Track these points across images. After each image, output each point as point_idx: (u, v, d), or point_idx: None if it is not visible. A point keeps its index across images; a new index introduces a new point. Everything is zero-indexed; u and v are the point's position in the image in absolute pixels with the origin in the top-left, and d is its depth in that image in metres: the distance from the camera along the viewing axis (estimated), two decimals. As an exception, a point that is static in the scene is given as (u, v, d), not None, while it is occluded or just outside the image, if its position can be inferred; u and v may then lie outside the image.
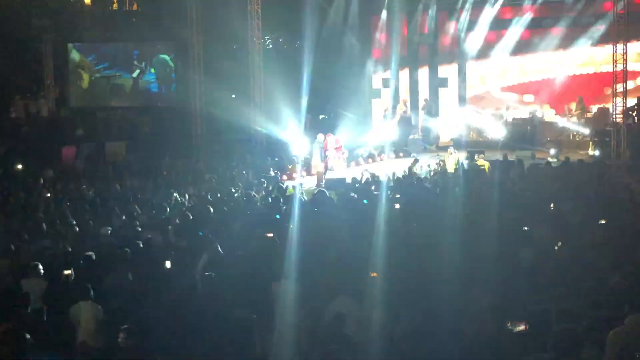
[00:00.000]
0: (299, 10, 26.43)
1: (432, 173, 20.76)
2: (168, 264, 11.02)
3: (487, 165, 20.99)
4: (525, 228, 12.29)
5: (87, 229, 14.14)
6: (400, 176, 20.17)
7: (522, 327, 8.17)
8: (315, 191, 18.16)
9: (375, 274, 9.97)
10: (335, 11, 29.02)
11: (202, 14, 27.02)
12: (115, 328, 8.87)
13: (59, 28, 28.91)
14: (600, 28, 27.02)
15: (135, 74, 30.15)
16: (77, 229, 14.03)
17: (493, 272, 9.75)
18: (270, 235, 12.45)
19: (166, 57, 30.04)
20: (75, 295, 9.67)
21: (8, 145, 24.73)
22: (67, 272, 10.66)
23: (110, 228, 13.67)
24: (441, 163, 21.73)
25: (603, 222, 12.46)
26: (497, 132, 27.60)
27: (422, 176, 20.29)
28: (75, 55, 29.92)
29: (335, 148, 23.29)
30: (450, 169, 21.09)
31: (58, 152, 25.48)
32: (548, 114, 28.32)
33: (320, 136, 23.14)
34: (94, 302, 9.47)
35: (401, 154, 26.52)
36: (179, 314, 9.25)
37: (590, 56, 28.48)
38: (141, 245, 12.12)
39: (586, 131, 26.25)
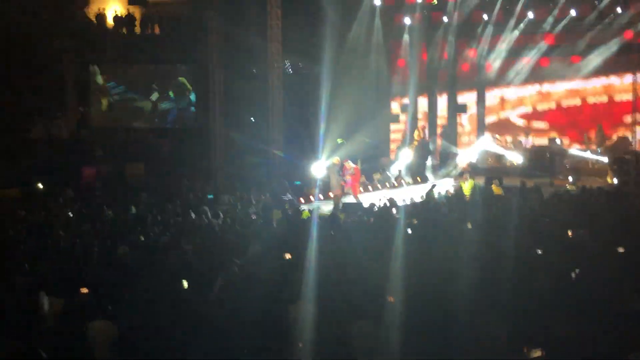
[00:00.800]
0: (319, 35, 26.58)
1: (449, 198, 20.68)
2: (185, 284, 11.03)
3: (501, 192, 20.92)
4: (540, 253, 12.23)
5: (105, 247, 14.20)
6: (418, 201, 20.14)
7: (538, 354, 8.11)
8: (331, 215, 18.17)
9: (392, 299, 9.94)
10: (355, 37, 29.17)
11: (223, 37, 27.24)
12: (130, 347, 8.92)
13: (80, 49, 29.20)
14: (620, 57, 27.00)
15: (154, 97, 30.37)
16: (96, 247, 14.08)
17: (510, 298, 9.70)
18: (288, 256, 12.45)
19: (184, 80, 30.25)
20: (92, 313, 9.68)
21: (28, 165, 24.90)
22: (83, 290, 10.70)
23: (127, 247, 13.71)
24: (458, 188, 21.70)
25: (621, 250, 12.38)
26: (516, 158, 27.56)
27: (440, 201, 20.23)
28: (99, 78, 30.23)
29: (352, 173, 23.26)
30: (467, 194, 21.03)
31: (78, 172, 25.65)
32: (567, 142, 28.27)
33: (337, 160, 23.17)
34: (110, 321, 9.46)
35: (419, 179, 26.50)
36: (194, 334, 9.26)
37: (609, 84, 28.43)
38: (158, 264, 12.15)
39: (605, 159, 26.14)
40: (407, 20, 29.72)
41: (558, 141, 28.04)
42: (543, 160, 26.70)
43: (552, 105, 29.62)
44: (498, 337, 8.62)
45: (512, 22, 28.69)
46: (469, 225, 15.69)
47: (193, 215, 18.17)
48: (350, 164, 23.15)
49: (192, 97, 30.26)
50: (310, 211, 19.01)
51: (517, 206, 17.78)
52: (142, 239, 15.05)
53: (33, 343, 8.50)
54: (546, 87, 29.39)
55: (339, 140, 28.83)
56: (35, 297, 10.57)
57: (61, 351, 8.71)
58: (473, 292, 10.09)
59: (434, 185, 22.11)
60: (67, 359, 8.72)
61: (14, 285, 10.79)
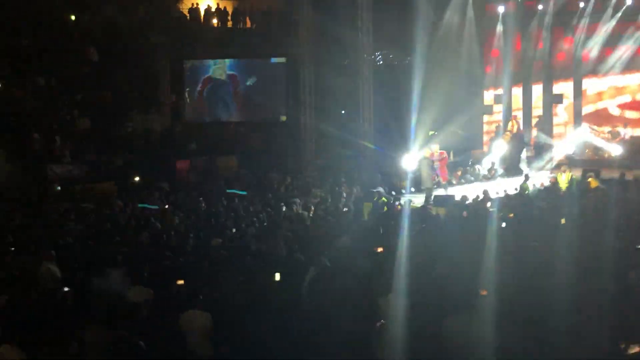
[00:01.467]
0: (410, 25, 26.33)
1: (543, 191, 20.20)
2: (278, 276, 11.12)
3: (597, 184, 20.32)
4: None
5: (199, 239, 14.48)
6: (512, 194, 19.78)
7: (636, 350, 7.90)
8: (422, 207, 18.03)
9: (485, 292, 9.78)
10: (447, 26, 28.80)
11: (314, 30, 27.34)
12: (224, 338, 9.05)
13: (174, 44, 29.79)
14: None
15: (250, 82, 30.72)
16: (191, 239, 14.37)
17: (609, 294, 9.42)
18: (380, 249, 12.42)
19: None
20: (186, 304, 9.85)
21: (125, 159, 25.57)
22: (179, 282, 10.93)
23: (221, 240, 13.93)
24: (554, 181, 21.18)
25: None
26: (614, 150, 26.74)
27: (534, 194, 19.80)
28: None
29: (439, 158, 22.87)
30: (563, 186, 20.52)
31: (173, 165, 26.22)
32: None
33: (427, 150, 22.86)
34: (204, 311, 9.59)
35: (513, 172, 26.00)
36: (284, 326, 9.33)
37: None
38: (251, 256, 12.30)
39: None
40: (501, 9, 29.15)
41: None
42: (642, 152, 25.86)
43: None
44: (597, 334, 8.40)
45: (610, 9, 27.78)
46: (564, 220, 15.33)
47: (284, 208, 18.34)
48: (436, 148, 22.82)
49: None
50: (401, 204, 18.91)
51: (616, 199, 17.25)
52: (234, 231, 15.27)
53: (130, 333, 8.74)
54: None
55: (431, 132, 28.59)
56: (126, 287, 10.85)
57: (155, 341, 8.92)
58: (570, 288, 9.86)
59: (527, 178, 21.64)
60: (161, 349, 8.91)
61: (109, 276, 11.06)
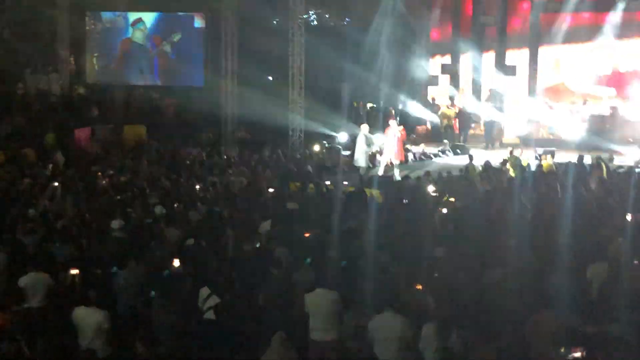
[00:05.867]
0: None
1: (489, 173, 20.36)
2: (177, 262, 10.99)
3: (553, 167, 20.65)
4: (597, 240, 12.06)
5: (96, 221, 14.21)
6: (455, 176, 19.95)
7: (577, 355, 8.08)
8: (355, 190, 18.04)
9: (420, 287, 9.83)
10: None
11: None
12: (124, 336, 8.94)
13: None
14: None
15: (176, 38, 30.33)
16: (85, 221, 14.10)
17: (564, 291, 9.54)
18: (307, 235, 12.43)
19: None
20: (78, 298, 9.70)
21: (15, 125, 24.92)
22: (73, 271, 10.70)
23: (122, 221, 13.66)
24: (502, 162, 21.41)
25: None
26: (572, 129, 27.21)
27: (480, 177, 19.97)
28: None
29: (397, 135, 22.67)
30: (512, 169, 20.76)
31: (70, 133, 25.65)
32: (632, 111, 27.82)
33: (365, 127, 22.80)
34: (99, 308, 9.42)
35: (458, 151, 26.27)
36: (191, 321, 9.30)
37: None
38: (154, 241, 12.14)
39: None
40: (450, -32, 29.33)
41: (621, 110, 27.63)
42: (603, 131, 26.35)
43: (617, 68, 29.11)
44: (545, 332, 8.53)
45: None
46: (515, 205, 15.53)
47: (197, 187, 18.19)
48: (395, 124, 22.69)
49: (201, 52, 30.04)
50: (334, 185, 18.91)
51: (572, 184, 17.51)
52: (137, 214, 15.03)
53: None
54: (610, 46, 28.81)
55: (370, 105, 28.67)
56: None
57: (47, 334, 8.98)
58: (520, 283, 9.96)
59: (472, 158, 21.84)
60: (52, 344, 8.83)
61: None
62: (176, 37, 30.07)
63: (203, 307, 9.77)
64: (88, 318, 9.31)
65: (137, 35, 30.43)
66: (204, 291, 9.96)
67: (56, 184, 17.66)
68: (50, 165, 20.46)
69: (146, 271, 10.84)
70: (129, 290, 10.56)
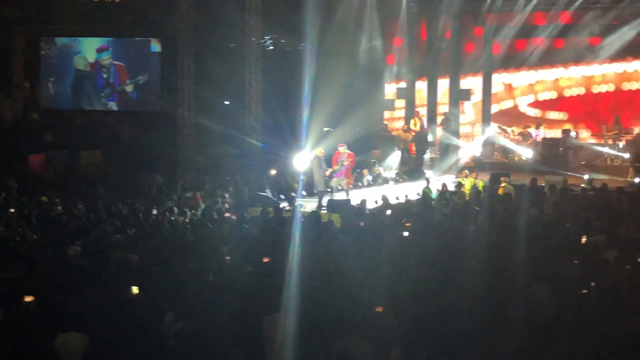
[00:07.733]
0: (304, 7, 26.37)
1: (446, 197, 20.59)
2: (135, 289, 10.91)
3: (511, 190, 20.90)
4: (550, 262, 12.22)
5: (53, 247, 14.09)
6: (413, 199, 20.12)
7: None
8: (313, 214, 18.07)
9: (380, 309, 9.88)
10: (346, 10, 28.91)
11: (195, 8, 26.97)
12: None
13: (30, 19, 28.90)
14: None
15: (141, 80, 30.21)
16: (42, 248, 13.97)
17: (519, 312, 9.67)
18: (266, 259, 12.40)
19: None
20: (34, 325, 9.61)
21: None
22: (28, 298, 10.57)
23: (79, 248, 13.58)
24: (458, 186, 21.66)
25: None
26: (525, 153, 27.59)
27: (437, 201, 20.16)
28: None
29: (346, 161, 22.68)
30: (469, 192, 20.98)
31: (24, 159, 25.39)
32: (583, 135, 28.31)
33: (321, 151, 22.73)
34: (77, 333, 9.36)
35: (415, 174, 26.44)
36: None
37: (634, 70, 28.49)
38: (115, 268, 12.06)
39: (625, 155, 26.16)
40: (405, -7, 29.62)
41: (573, 134, 28.06)
42: (555, 155, 26.71)
43: (567, 93, 29.60)
44: (505, 355, 8.62)
45: (524, -3, 28.60)
46: (471, 228, 15.70)
47: (155, 213, 18.10)
48: (345, 150, 22.71)
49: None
50: (292, 209, 18.93)
51: (526, 207, 17.74)
52: (95, 239, 14.93)
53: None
54: (560, 72, 29.34)
55: (325, 129, 28.73)
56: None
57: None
58: (478, 305, 10.05)
59: (428, 182, 22.04)
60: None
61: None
62: (142, 80, 29.96)
63: (169, 332, 9.71)
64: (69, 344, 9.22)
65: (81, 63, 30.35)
66: (169, 317, 9.91)
67: (12, 210, 17.51)
68: (3, 193, 20.26)
69: (105, 298, 10.76)
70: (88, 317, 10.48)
